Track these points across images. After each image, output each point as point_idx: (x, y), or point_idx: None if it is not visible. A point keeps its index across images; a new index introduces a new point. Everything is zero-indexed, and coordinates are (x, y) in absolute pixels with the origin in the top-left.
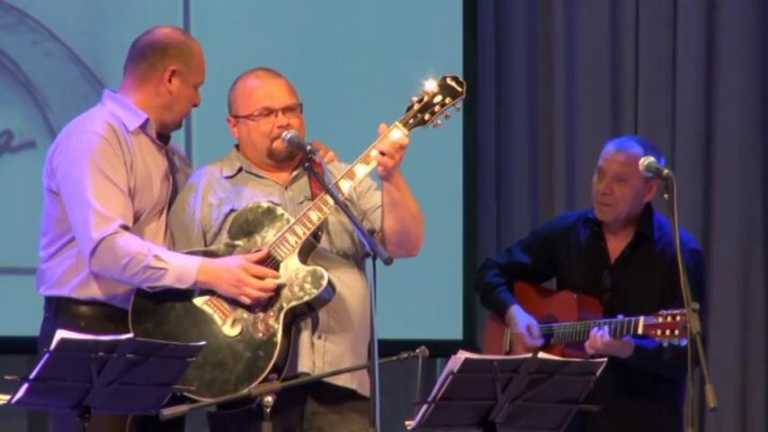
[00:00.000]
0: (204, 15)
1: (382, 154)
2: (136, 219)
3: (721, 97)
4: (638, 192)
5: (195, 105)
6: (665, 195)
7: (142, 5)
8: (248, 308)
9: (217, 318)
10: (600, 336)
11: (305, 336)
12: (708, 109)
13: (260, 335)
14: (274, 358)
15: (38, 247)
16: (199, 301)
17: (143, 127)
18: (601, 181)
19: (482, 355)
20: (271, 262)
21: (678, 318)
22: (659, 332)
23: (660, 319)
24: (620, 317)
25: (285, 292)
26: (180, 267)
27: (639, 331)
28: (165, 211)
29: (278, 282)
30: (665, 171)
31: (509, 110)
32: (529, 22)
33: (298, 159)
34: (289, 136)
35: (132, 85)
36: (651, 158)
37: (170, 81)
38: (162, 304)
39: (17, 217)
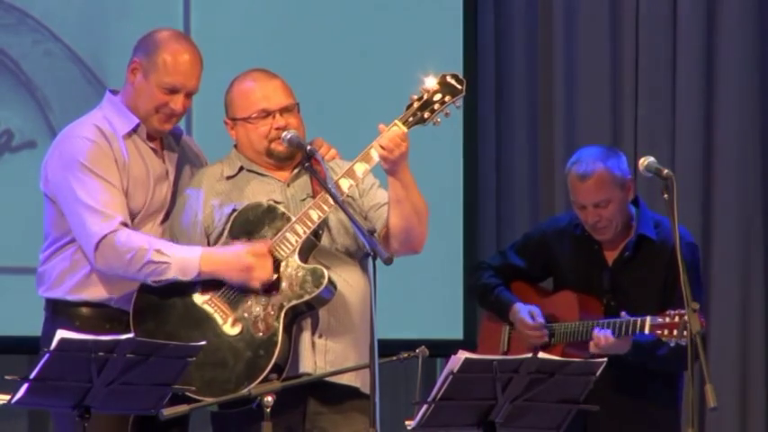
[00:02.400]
0: (204, 15)
1: (382, 148)
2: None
3: (721, 97)
4: (623, 201)
5: (173, 111)
6: (665, 195)
7: (143, 5)
8: (249, 307)
9: (217, 317)
10: (604, 336)
11: (305, 336)
12: (708, 109)
13: (260, 334)
14: (275, 357)
15: (39, 247)
16: (199, 300)
17: (135, 131)
18: (585, 212)
19: (482, 355)
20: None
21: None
22: (666, 332)
23: (667, 319)
24: (625, 315)
25: (286, 290)
26: (182, 259)
27: (646, 331)
28: (162, 214)
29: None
30: (665, 171)
31: (509, 110)
32: (529, 22)
33: (298, 157)
34: (289, 136)
35: (124, 84)
36: (651, 159)
37: (133, 73)
38: (163, 304)
39: (17, 217)
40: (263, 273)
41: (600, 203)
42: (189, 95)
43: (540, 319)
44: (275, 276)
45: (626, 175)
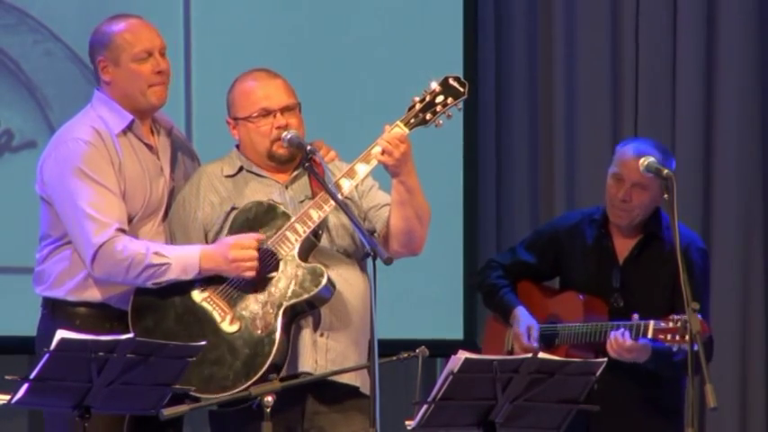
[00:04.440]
0: (204, 15)
1: (381, 152)
2: (129, 221)
3: (721, 98)
4: (655, 198)
5: (161, 73)
6: (665, 195)
7: (143, 5)
8: (247, 305)
9: (216, 315)
10: (621, 337)
11: (306, 334)
12: (708, 109)
13: (259, 332)
14: (272, 355)
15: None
16: (198, 298)
17: (130, 128)
18: (620, 187)
19: (482, 355)
20: (271, 260)
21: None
22: (669, 337)
23: (671, 324)
24: (636, 317)
25: (285, 289)
26: (182, 259)
27: (649, 335)
28: (161, 211)
29: (260, 237)
30: (665, 171)
31: (509, 110)
32: (529, 21)
33: (298, 159)
34: (289, 136)
35: (100, 86)
36: (651, 158)
37: (105, 72)
38: (161, 302)
39: (17, 217)
40: (250, 262)
41: (639, 184)
42: (162, 54)
43: (535, 343)
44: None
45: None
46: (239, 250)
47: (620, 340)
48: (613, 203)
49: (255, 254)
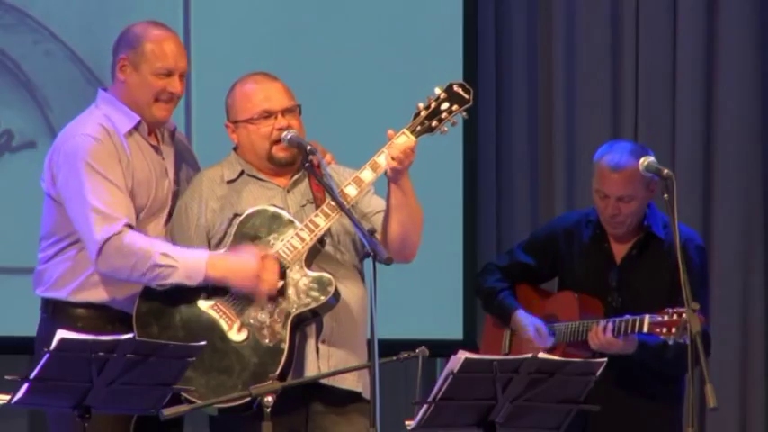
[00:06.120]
0: (204, 15)
1: (392, 159)
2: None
3: (721, 98)
4: (645, 200)
5: (172, 94)
6: (665, 195)
7: (142, 5)
8: (255, 313)
9: (223, 323)
10: (602, 329)
11: (310, 342)
12: (708, 109)
13: (266, 341)
14: (281, 365)
15: (38, 247)
16: (204, 305)
17: (136, 128)
18: (605, 204)
19: (482, 355)
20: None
21: (684, 316)
22: (664, 330)
23: (666, 317)
24: (627, 316)
25: (292, 298)
26: (188, 263)
27: (645, 329)
28: (164, 212)
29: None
30: (665, 171)
31: (509, 110)
32: (529, 22)
33: (298, 164)
34: (289, 136)
35: (113, 81)
36: (651, 158)
37: (122, 71)
38: (167, 308)
39: (17, 217)
40: (271, 283)
41: (624, 198)
42: (182, 76)
43: (549, 340)
44: (281, 284)
45: (654, 176)
46: (261, 266)
47: (599, 333)
48: (605, 219)
49: (277, 272)
